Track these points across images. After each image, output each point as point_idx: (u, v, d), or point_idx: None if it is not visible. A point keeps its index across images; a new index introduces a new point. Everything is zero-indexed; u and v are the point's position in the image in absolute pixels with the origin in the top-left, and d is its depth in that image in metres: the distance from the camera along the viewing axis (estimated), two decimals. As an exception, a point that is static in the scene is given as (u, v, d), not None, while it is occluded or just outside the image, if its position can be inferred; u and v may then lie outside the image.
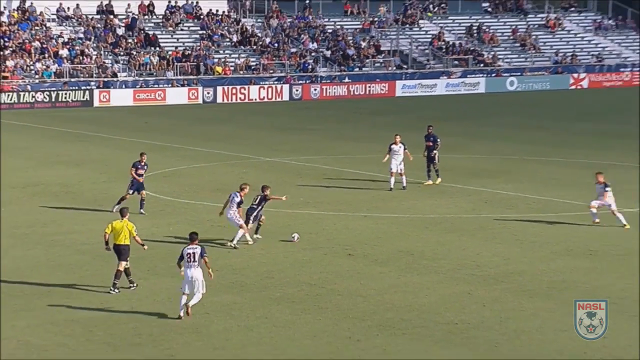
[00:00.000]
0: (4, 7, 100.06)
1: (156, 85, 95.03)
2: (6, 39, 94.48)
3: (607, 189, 39.83)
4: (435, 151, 50.34)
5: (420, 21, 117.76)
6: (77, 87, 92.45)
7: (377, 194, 47.77)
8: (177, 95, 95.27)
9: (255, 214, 37.62)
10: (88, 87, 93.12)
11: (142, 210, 42.34)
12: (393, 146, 47.87)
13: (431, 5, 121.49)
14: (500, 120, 71.47)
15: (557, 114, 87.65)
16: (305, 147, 65.23)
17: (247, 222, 37.65)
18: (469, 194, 48.49)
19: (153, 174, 49.87)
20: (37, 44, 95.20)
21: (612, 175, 49.13)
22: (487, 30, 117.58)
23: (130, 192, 42.68)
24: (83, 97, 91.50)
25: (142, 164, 43.20)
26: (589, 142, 67.72)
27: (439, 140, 50.95)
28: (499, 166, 54.07)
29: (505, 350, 26.31)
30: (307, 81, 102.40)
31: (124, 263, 31.36)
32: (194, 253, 28.83)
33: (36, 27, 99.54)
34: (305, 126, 77.86)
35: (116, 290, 30.94)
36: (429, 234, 38.34)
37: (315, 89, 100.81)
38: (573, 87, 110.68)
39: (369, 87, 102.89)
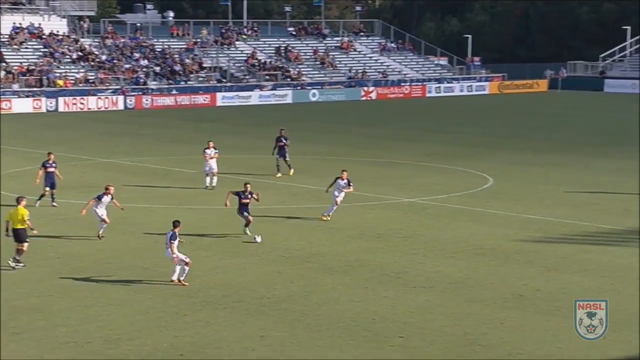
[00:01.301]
0: None
1: (3, 97, 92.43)
2: None
3: (350, 185, 40.15)
4: (286, 148, 52.27)
5: (237, 42, 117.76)
6: None
7: (200, 190, 47.39)
8: (22, 105, 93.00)
9: None
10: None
11: (54, 204, 42.26)
12: (207, 150, 47.68)
13: (245, 29, 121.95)
14: (305, 126, 71.78)
15: (351, 120, 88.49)
16: (138, 150, 64.44)
17: None
18: (279, 188, 48.59)
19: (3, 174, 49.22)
20: None
21: (393, 171, 50.08)
22: (292, 50, 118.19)
23: (47, 188, 42.10)
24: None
25: (51, 162, 42.57)
26: (377, 144, 68.54)
27: (288, 140, 52.48)
28: (304, 165, 54.27)
29: (310, 319, 26.51)
30: (140, 93, 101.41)
31: (25, 244, 31.41)
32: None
33: None
34: (138, 131, 76.93)
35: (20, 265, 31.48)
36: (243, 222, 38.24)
37: (146, 100, 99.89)
38: (364, 98, 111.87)
39: (194, 98, 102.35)
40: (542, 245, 35.82)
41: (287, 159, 52.61)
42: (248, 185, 37.32)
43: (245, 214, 36.63)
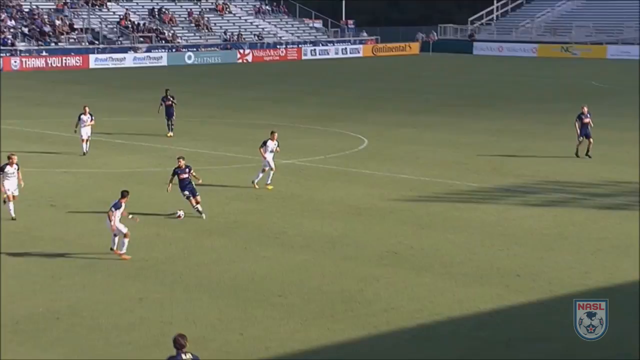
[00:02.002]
0: None
1: None
2: None
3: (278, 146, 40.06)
4: (174, 108, 52.68)
5: (109, 3, 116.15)
6: None
7: (74, 154, 46.66)
8: None
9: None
10: None
11: None
12: (83, 117, 46.56)
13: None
14: (181, 88, 71.26)
15: (227, 83, 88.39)
16: (8, 113, 62.57)
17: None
18: (155, 151, 48.36)
19: None
20: None
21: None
22: (166, 12, 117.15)
23: None
24: None
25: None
26: (254, 106, 68.61)
27: (174, 99, 52.91)
28: (183, 127, 53.92)
29: (189, 280, 26.60)
30: (7, 54, 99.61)
31: None
32: None
33: None
34: (7, 94, 75.13)
35: None
36: (121, 185, 37.88)
37: (15, 62, 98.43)
38: (240, 61, 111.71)
39: (65, 59, 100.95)
40: (415, 204, 36.41)
41: (173, 118, 52.61)
42: (181, 160, 34.38)
43: (187, 192, 33.73)
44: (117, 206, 28.89)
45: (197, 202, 33.64)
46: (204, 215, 33.60)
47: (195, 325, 23.20)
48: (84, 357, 19.34)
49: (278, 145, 39.19)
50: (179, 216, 33.68)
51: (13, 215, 33.40)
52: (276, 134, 39.49)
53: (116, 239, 28.82)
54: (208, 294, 25.62)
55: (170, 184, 34.09)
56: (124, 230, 28.69)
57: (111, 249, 28.96)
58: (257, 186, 38.85)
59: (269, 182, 39.03)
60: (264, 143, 38.75)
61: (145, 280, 26.71)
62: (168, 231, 31.87)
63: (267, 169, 38.94)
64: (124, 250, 28.71)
